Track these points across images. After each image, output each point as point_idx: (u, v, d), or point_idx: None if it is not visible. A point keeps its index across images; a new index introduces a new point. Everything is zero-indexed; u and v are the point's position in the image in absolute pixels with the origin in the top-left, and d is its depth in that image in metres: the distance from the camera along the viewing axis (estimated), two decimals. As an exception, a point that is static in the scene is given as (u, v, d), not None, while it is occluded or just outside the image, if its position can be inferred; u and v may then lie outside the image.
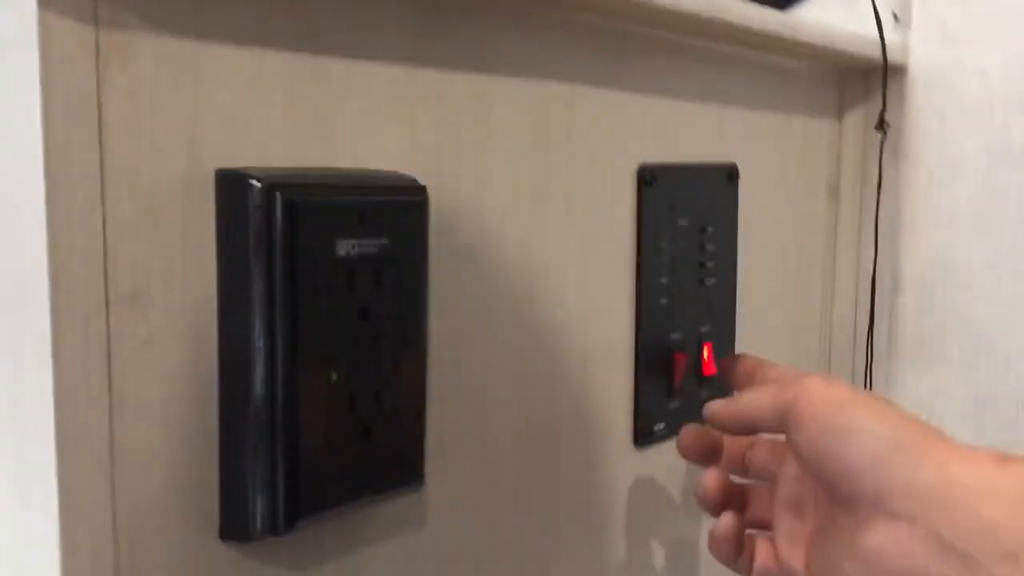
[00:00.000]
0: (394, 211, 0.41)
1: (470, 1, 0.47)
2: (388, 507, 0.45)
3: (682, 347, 0.63)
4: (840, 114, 0.83)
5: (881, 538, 0.40)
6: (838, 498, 0.43)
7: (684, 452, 0.54)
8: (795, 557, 0.47)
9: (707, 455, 0.53)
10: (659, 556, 0.65)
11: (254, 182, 0.36)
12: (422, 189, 0.42)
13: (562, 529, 0.56)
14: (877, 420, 0.42)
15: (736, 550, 0.49)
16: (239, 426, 0.37)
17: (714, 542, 0.50)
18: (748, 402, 0.49)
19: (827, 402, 0.43)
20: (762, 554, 0.49)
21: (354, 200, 0.39)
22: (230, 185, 0.36)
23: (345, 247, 0.39)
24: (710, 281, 0.66)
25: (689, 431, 0.54)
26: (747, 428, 0.49)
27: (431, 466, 0.45)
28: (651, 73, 0.60)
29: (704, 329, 0.65)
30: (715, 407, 0.51)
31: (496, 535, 0.52)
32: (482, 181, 0.49)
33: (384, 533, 0.45)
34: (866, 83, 0.82)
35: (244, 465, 0.37)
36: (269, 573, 0.40)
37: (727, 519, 0.49)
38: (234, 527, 0.38)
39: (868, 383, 0.83)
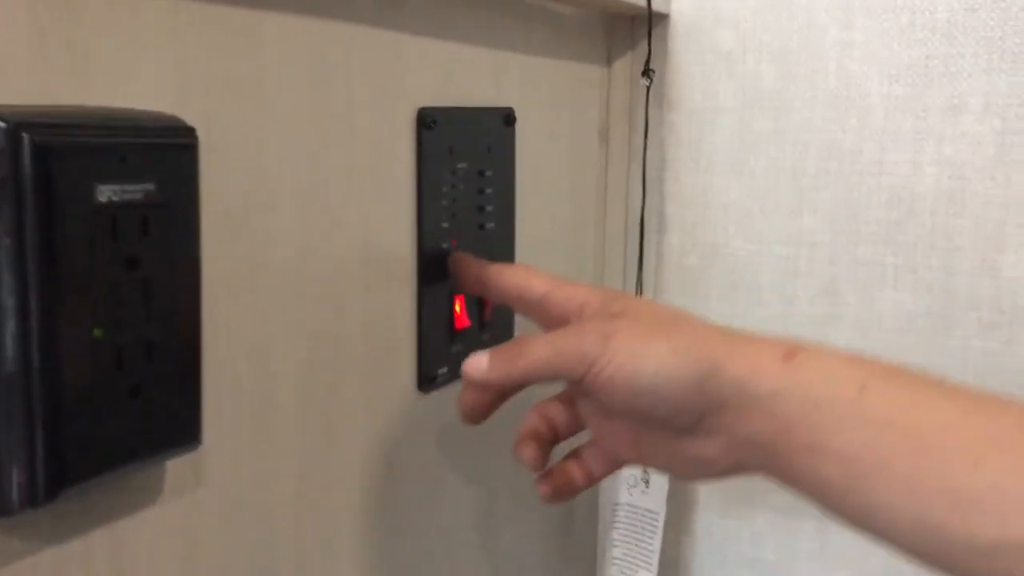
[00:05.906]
0: (160, 154, 0.38)
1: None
2: (164, 467, 0.42)
3: (462, 291, 0.64)
4: (609, 60, 0.86)
5: (704, 449, 0.44)
6: (656, 425, 0.45)
7: (472, 420, 0.51)
8: (624, 452, 0.48)
9: (489, 411, 0.51)
10: (447, 502, 0.66)
11: (-4, 121, 0.32)
12: (191, 131, 0.40)
13: (346, 478, 0.56)
14: (676, 361, 0.42)
15: (544, 454, 0.50)
16: (-11, 392, 0.34)
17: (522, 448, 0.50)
18: (527, 366, 0.46)
19: (627, 365, 0.43)
20: (575, 471, 0.50)
21: (115, 141, 0.36)
22: (-33, 125, 0.33)
23: (106, 193, 0.36)
24: (489, 225, 0.67)
25: (468, 401, 0.50)
26: (524, 386, 0.49)
27: (209, 422, 0.43)
28: (429, 16, 0.59)
29: (484, 272, 0.66)
30: (485, 371, 0.47)
31: (279, 488, 0.51)
32: (257, 123, 0.46)
33: (160, 494, 0.43)
34: (632, 31, 0.85)
35: (-3, 434, 0.34)
36: (28, 548, 0.37)
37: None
38: (-13, 502, 0.35)
39: (636, 319, 0.87)
